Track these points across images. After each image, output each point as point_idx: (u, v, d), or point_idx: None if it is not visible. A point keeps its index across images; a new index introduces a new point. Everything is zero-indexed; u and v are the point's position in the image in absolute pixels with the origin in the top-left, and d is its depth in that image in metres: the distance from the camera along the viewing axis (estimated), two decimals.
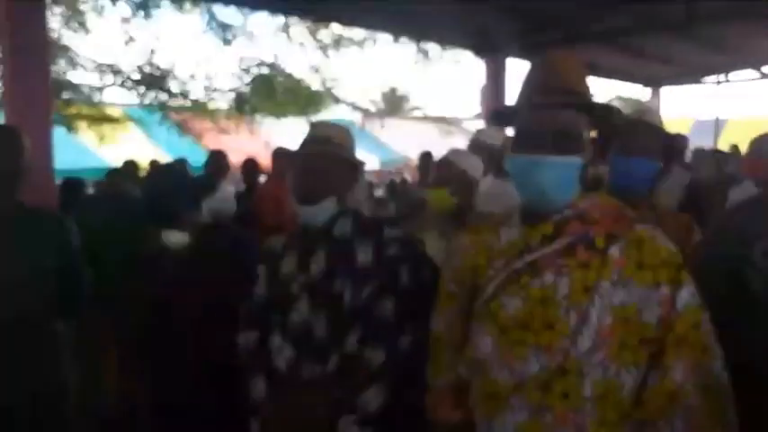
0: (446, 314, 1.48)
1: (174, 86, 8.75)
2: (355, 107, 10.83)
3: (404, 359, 1.62)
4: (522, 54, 7.86)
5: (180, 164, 4.93)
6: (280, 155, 4.55)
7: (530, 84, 1.34)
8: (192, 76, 8.67)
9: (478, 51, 7.83)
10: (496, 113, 1.52)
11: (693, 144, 7.70)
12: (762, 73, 10.40)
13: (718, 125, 17.18)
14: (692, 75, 11.36)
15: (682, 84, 12.33)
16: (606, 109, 1.34)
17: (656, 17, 6.97)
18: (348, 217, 1.77)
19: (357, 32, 10.72)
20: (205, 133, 10.26)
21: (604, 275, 1.21)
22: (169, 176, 4.38)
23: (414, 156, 18.24)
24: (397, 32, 7.71)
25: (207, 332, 2.32)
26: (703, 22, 6.89)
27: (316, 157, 1.72)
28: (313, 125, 1.81)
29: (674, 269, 1.23)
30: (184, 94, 9.01)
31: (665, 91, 12.34)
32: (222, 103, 9.52)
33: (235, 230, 2.83)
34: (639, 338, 1.20)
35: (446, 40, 8.04)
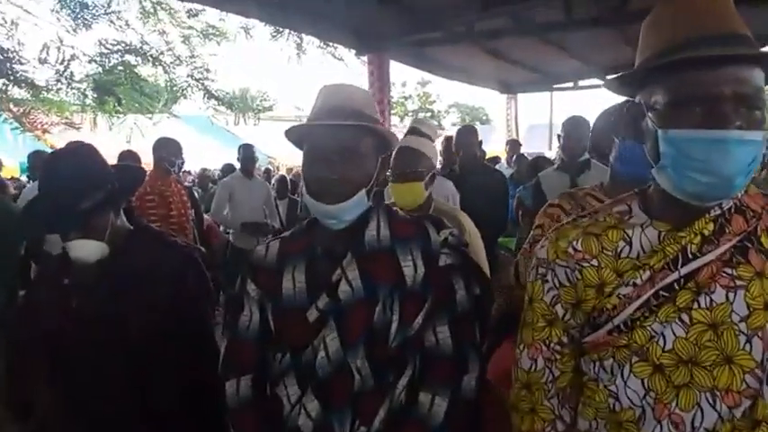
0: (541, 350, 1.13)
1: (13, 71, 7.52)
2: (221, 102, 10.12)
3: (469, 406, 1.31)
4: (402, 54, 7.92)
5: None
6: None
7: (673, 30, 0.97)
8: (42, 60, 7.51)
9: (360, 50, 7.75)
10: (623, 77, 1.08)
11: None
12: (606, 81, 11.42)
13: (551, 129, 19.00)
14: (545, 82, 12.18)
15: (537, 90, 13.18)
16: None
17: (527, 22, 7.36)
18: (383, 214, 1.39)
19: (231, 24, 10.11)
20: (51, 129, 9.03)
21: None
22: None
23: (277, 155, 17.99)
24: (273, 22, 7.34)
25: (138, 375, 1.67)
26: (563, 29, 7.40)
27: (344, 132, 1.28)
28: (327, 89, 1.38)
29: None
30: (26, 82, 7.79)
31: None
32: (73, 93, 8.41)
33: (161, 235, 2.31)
34: None
35: (326, 36, 7.83)
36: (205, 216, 5.79)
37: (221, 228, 6.20)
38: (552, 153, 12.19)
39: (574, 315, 1.10)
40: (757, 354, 0.94)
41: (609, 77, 1.12)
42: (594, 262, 1.06)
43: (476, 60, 9.35)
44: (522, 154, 7.08)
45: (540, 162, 5.35)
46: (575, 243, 1.10)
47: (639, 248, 1.03)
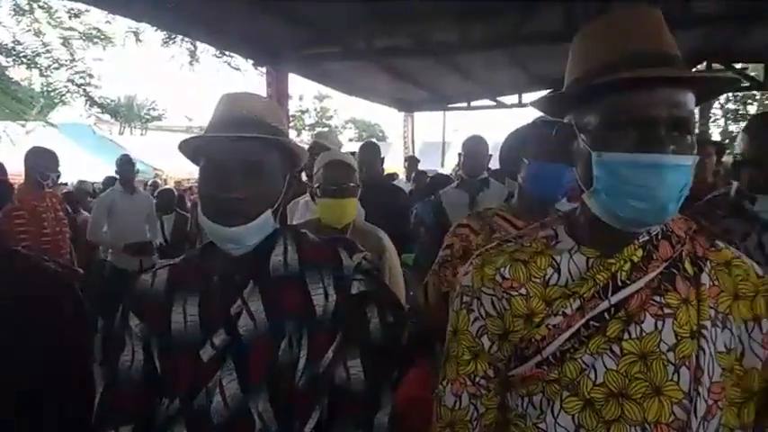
0: (466, 385, 1.06)
1: None
2: (105, 110, 9.46)
3: None
4: (301, 68, 7.78)
5: None
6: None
7: (606, 49, 0.93)
8: None
9: (258, 60, 7.52)
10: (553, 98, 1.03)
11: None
12: (497, 102, 11.91)
13: (444, 147, 19.75)
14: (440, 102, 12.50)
15: (432, 109, 13.49)
16: (728, 80, 0.99)
17: (424, 42, 7.49)
18: (291, 238, 1.26)
19: (118, 27, 9.47)
20: None
21: (704, 313, 0.94)
22: None
23: (165, 167, 17.18)
24: (165, 27, 6.95)
25: None
26: (457, 50, 7.62)
27: (247, 146, 1.14)
28: (229, 97, 1.24)
29: None
30: None
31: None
32: None
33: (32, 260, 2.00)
34: (745, 392, 0.95)
35: (222, 45, 7.53)
36: None
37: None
38: (444, 170, 12.54)
39: (501, 347, 1.03)
40: (685, 384, 0.92)
41: (534, 100, 1.07)
42: (523, 290, 1.01)
43: (375, 77, 9.38)
44: (423, 171, 7.16)
45: (439, 179, 5.41)
46: (502, 270, 1.04)
47: (568, 276, 0.99)
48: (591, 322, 0.94)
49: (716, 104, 19.89)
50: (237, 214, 1.13)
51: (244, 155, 1.14)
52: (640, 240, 0.97)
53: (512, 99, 11.91)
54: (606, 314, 0.94)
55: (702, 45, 10.13)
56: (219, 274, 1.21)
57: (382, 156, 4.53)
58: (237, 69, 8.68)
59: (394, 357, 1.28)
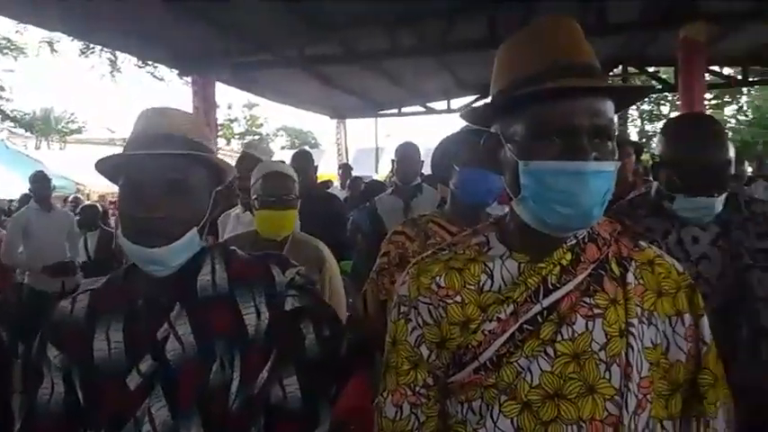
0: (406, 395, 1.04)
1: None
2: (18, 123, 8.97)
3: None
4: (228, 76, 7.62)
5: None
6: None
7: (529, 61, 0.95)
8: None
9: (183, 70, 7.32)
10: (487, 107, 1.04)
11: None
12: (427, 108, 12.10)
13: (377, 153, 19.86)
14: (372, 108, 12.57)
15: (364, 116, 13.54)
16: (642, 91, 1.08)
17: (355, 49, 7.52)
18: (219, 256, 1.21)
19: (31, 37, 8.99)
20: None
21: (631, 311, 0.97)
22: None
23: (87, 182, 16.41)
24: (81, 37, 6.65)
25: None
26: (388, 57, 7.70)
27: (170, 163, 1.09)
28: (150, 112, 1.17)
29: (691, 292, 1.03)
30: None
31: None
32: None
33: None
34: (672, 384, 0.99)
35: (145, 55, 7.27)
36: None
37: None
38: (379, 176, 12.60)
39: (439, 355, 1.03)
40: (616, 381, 0.94)
41: (462, 110, 1.10)
42: (458, 298, 1.01)
43: (306, 85, 9.33)
44: (357, 177, 7.15)
45: (373, 185, 5.42)
46: (438, 279, 1.04)
47: (501, 281, 1.00)
48: (525, 326, 0.96)
49: (632, 106, 20.96)
50: (160, 235, 1.08)
51: (166, 172, 1.09)
52: (568, 244, 0.99)
53: (441, 105, 12.14)
54: (539, 317, 0.96)
55: (619, 51, 10.68)
56: (144, 298, 1.15)
57: (315, 164, 4.50)
58: (161, 80, 8.40)
59: (331, 372, 1.25)
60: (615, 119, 0.96)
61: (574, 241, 0.99)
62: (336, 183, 8.55)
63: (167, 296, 1.14)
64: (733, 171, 1.59)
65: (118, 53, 7.73)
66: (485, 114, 1.05)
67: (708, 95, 18.97)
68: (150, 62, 7.89)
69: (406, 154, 3.67)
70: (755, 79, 12.91)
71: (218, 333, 1.12)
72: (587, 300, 0.97)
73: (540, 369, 0.95)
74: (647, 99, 20.48)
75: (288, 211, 2.26)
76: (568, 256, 0.98)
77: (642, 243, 1.08)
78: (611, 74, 12.37)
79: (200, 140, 1.17)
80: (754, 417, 1.56)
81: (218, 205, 1.22)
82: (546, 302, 0.96)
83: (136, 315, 1.14)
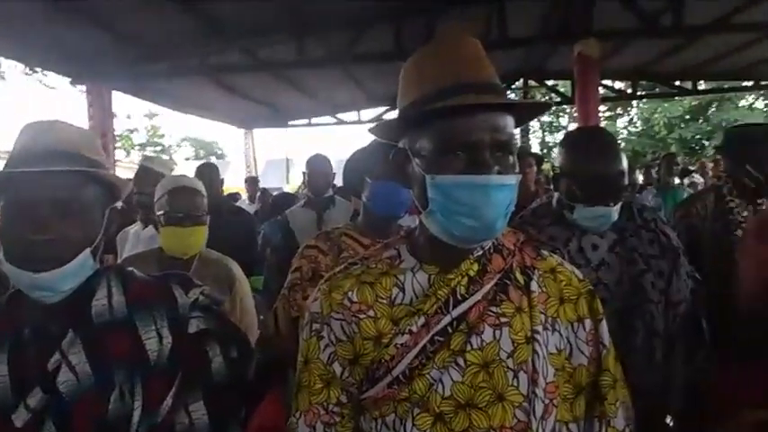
0: (320, 414, 1.02)
1: None
2: None
3: None
4: (127, 85, 7.27)
5: None
6: None
7: (434, 78, 0.96)
8: None
9: (76, 78, 6.89)
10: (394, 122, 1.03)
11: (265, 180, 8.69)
12: (337, 119, 12.12)
13: (288, 164, 19.68)
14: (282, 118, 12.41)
15: (273, 126, 13.34)
16: (539, 107, 1.09)
17: (261, 58, 7.39)
18: (115, 278, 1.14)
19: None
20: None
21: (536, 319, 1.00)
22: None
23: None
24: None
25: None
26: (295, 67, 7.63)
27: (58, 181, 1.02)
28: (35, 127, 1.09)
29: (591, 298, 1.08)
30: None
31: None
32: None
33: None
34: (576, 387, 1.03)
35: (33, 61, 6.79)
36: None
37: None
38: (289, 187, 12.45)
39: (352, 371, 1.01)
40: (524, 387, 0.96)
41: (371, 127, 1.08)
42: (371, 312, 1.01)
43: (211, 94, 9.07)
44: (266, 190, 7.00)
45: (282, 198, 5.33)
46: (350, 294, 1.03)
47: (413, 294, 1.01)
48: (436, 337, 0.97)
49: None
50: (48, 258, 1.00)
51: (54, 191, 1.01)
52: (475, 255, 1.01)
53: (352, 116, 12.19)
54: (449, 328, 0.97)
55: (520, 65, 11.22)
56: (31, 326, 1.06)
57: (221, 176, 4.36)
58: (53, 88, 7.87)
59: (241, 394, 1.20)
60: (516, 133, 0.99)
61: (480, 252, 1.02)
62: (244, 195, 8.35)
63: (58, 323, 1.05)
64: (626, 181, 1.68)
65: (3, 59, 7.14)
66: (393, 129, 1.05)
67: (602, 108, 20.37)
68: (39, 69, 7.35)
69: (317, 166, 3.63)
70: (643, 93, 13.98)
71: (117, 360, 1.05)
72: (494, 309, 0.99)
73: (452, 380, 0.96)
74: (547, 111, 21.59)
75: (197, 228, 2.16)
76: (475, 267, 1.01)
77: (544, 252, 1.12)
78: (512, 87, 12.98)
79: (91, 156, 1.09)
80: (648, 416, 1.66)
81: (113, 223, 1.14)
82: (455, 313, 0.97)
83: (22, 345, 1.04)
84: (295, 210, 3.69)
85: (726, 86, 12.90)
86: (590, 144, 1.68)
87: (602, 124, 20.56)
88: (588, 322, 1.06)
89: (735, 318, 2.13)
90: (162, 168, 2.64)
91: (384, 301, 1.01)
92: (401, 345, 0.97)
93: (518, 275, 1.04)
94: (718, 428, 1.21)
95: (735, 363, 1.68)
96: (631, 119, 21.04)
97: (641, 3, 6.52)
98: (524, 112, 1.04)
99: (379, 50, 6.82)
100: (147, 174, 2.84)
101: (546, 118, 22.48)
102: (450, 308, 0.98)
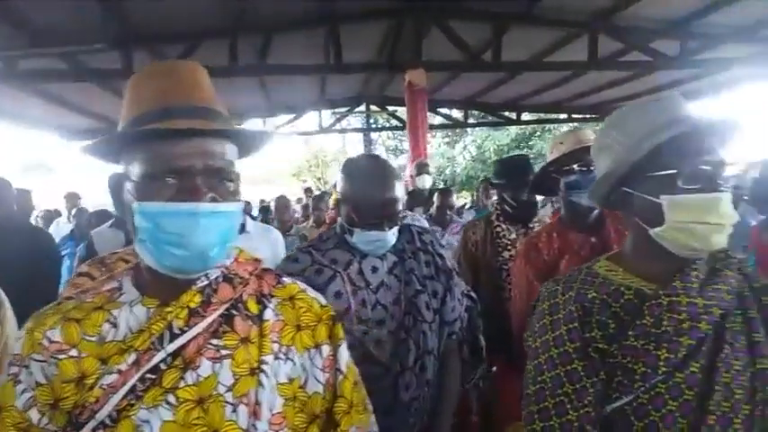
0: None
1: None
2: None
3: None
4: None
5: None
6: None
7: (145, 100, 0.94)
8: None
9: None
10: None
11: None
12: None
13: None
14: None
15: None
16: (260, 136, 1.03)
17: (83, 67, 6.86)
18: None
19: None
20: None
21: (266, 348, 0.98)
22: None
23: None
24: None
25: None
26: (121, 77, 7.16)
27: None
28: None
29: (332, 323, 1.09)
30: None
31: None
32: None
33: None
34: (309, 416, 1.02)
35: None
36: None
37: None
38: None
39: (52, 418, 0.92)
40: (243, 421, 0.94)
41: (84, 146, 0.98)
42: (74, 352, 0.93)
43: (25, 102, 8.19)
44: (83, 207, 6.38)
45: (103, 216, 4.94)
46: (50, 332, 0.94)
47: (127, 329, 0.95)
48: (147, 375, 0.91)
49: (379, 140, 22.79)
50: None
51: None
52: (198, 286, 0.98)
53: None
54: (162, 364, 0.92)
55: (361, 90, 11.55)
56: None
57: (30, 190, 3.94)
58: None
59: None
60: (234, 160, 0.97)
61: (205, 282, 0.99)
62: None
63: None
64: (400, 206, 1.75)
65: None
66: (108, 151, 0.98)
67: (440, 134, 21.59)
68: None
69: None
70: (475, 121, 15.05)
71: None
72: (215, 341, 0.96)
73: (161, 419, 0.90)
74: (390, 135, 22.45)
75: None
76: (197, 298, 0.97)
77: (285, 279, 1.12)
78: (355, 111, 13.32)
79: None
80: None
81: None
82: (170, 348, 0.93)
83: None
84: (102, 230, 3.45)
85: (545, 118, 14.33)
86: (366, 171, 1.73)
87: (441, 150, 21.90)
88: (326, 348, 1.07)
89: (507, 332, 2.33)
90: None
91: (92, 339, 0.94)
92: (107, 385, 0.90)
93: (251, 304, 1.02)
94: None
95: (515, 374, 1.82)
96: (465, 145, 22.53)
97: (466, 39, 7.01)
98: (247, 142, 1.02)
99: (213, 65, 6.62)
100: None
101: (391, 142, 23.32)
102: (166, 343, 0.93)
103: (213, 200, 0.91)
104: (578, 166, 2.06)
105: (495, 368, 2.57)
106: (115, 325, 0.95)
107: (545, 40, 7.75)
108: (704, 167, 1.05)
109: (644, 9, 6.56)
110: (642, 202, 1.11)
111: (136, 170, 0.92)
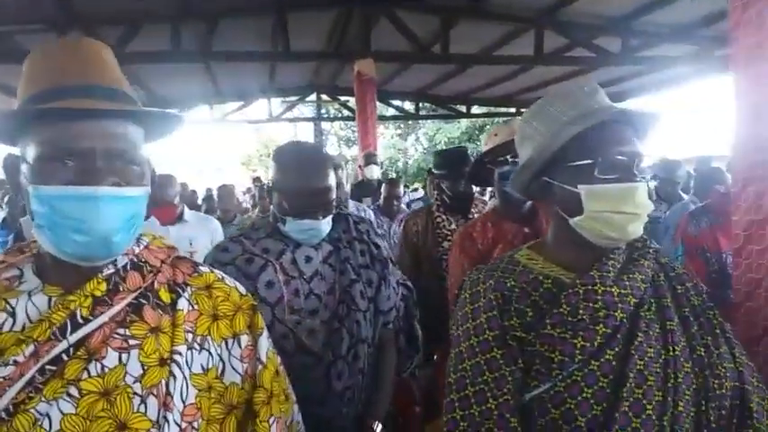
0: None
1: None
2: None
3: None
4: None
5: None
6: None
7: (40, 79, 0.89)
8: None
9: None
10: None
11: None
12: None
13: None
14: None
15: None
16: (169, 118, 0.99)
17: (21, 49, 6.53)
18: None
19: None
20: None
21: (178, 338, 0.95)
22: None
23: None
24: None
25: None
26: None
27: None
28: None
29: (252, 312, 1.08)
30: None
31: None
32: None
33: None
34: (227, 406, 1.00)
35: None
36: None
37: None
38: None
39: None
40: (153, 413, 0.91)
41: None
42: None
43: None
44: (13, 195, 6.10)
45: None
46: None
47: (26, 319, 0.90)
48: (47, 367, 0.87)
49: (331, 131, 22.66)
50: None
51: None
52: (105, 273, 0.94)
53: None
54: (64, 355, 0.88)
55: (312, 78, 11.44)
56: None
57: None
58: None
59: None
60: (140, 143, 0.93)
61: (112, 270, 0.95)
62: None
63: None
64: (334, 195, 1.73)
65: None
66: (3, 131, 0.92)
67: (392, 126, 21.64)
68: None
69: None
70: (426, 114, 15.14)
71: None
72: (122, 331, 0.93)
73: (62, 412, 0.86)
74: (343, 125, 22.35)
75: None
76: (103, 287, 0.93)
77: (202, 268, 1.09)
78: (306, 100, 13.18)
79: None
80: (359, 422, 1.73)
81: None
82: (73, 338, 0.88)
83: None
84: (29, 219, 3.28)
85: (494, 111, 14.52)
86: (297, 159, 1.70)
87: (393, 142, 21.99)
88: (245, 338, 1.05)
89: (447, 321, 2.35)
90: None
91: None
92: (3, 378, 0.85)
93: (163, 293, 0.99)
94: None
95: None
96: (417, 137, 22.68)
97: (415, 30, 7.02)
98: (156, 124, 0.98)
99: (155, 50, 6.42)
100: None
101: (343, 132, 23.20)
102: (68, 333, 0.88)
103: (116, 184, 0.86)
104: (511, 157, 2.09)
105: (435, 357, 2.59)
106: (13, 315, 0.90)
107: (493, 35, 7.84)
108: (620, 158, 1.07)
109: (588, 6, 6.72)
110: (561, 191, 1.12)
111: (32, 152, 0.87)
